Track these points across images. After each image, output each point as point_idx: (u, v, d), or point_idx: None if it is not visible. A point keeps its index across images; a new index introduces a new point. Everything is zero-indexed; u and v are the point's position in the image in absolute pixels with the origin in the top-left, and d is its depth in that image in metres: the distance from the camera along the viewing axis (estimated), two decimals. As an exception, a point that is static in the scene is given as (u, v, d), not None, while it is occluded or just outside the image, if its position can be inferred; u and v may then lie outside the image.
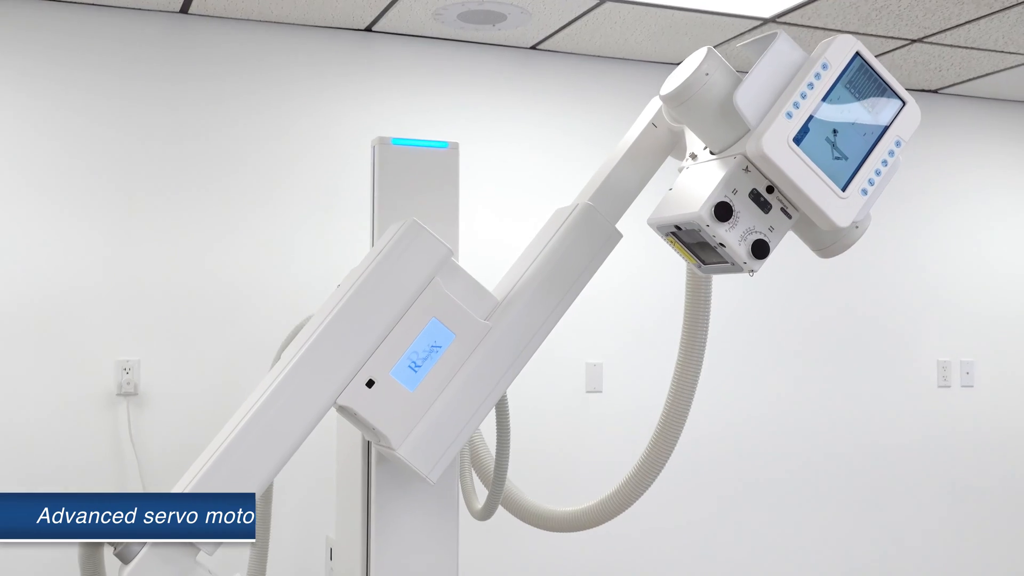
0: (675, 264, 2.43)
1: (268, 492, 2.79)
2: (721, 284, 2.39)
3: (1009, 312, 5.64)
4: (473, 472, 3.18)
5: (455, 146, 2.85)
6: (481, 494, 3.23)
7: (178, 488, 2.13)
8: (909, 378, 5.41)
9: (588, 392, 4.79)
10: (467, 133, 4.57)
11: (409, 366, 2.19)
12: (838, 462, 5.21)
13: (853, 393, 5.26)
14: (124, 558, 2.13)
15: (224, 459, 2.10)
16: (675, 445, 2.59)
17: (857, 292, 5.21)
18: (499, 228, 4.63)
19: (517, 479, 4.24)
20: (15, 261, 4.06)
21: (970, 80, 5.39)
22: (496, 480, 2.82)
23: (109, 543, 2.17)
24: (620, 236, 2.35)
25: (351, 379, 2.17)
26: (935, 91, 5.53)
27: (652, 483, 2.64)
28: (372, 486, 2.61)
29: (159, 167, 4.25)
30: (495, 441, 2.74)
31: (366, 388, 2.17)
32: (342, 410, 2.21)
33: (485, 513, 3.03)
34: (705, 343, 2.47)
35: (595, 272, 2.32)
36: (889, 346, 5.37)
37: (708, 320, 2.45)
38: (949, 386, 5.49)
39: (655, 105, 2.38)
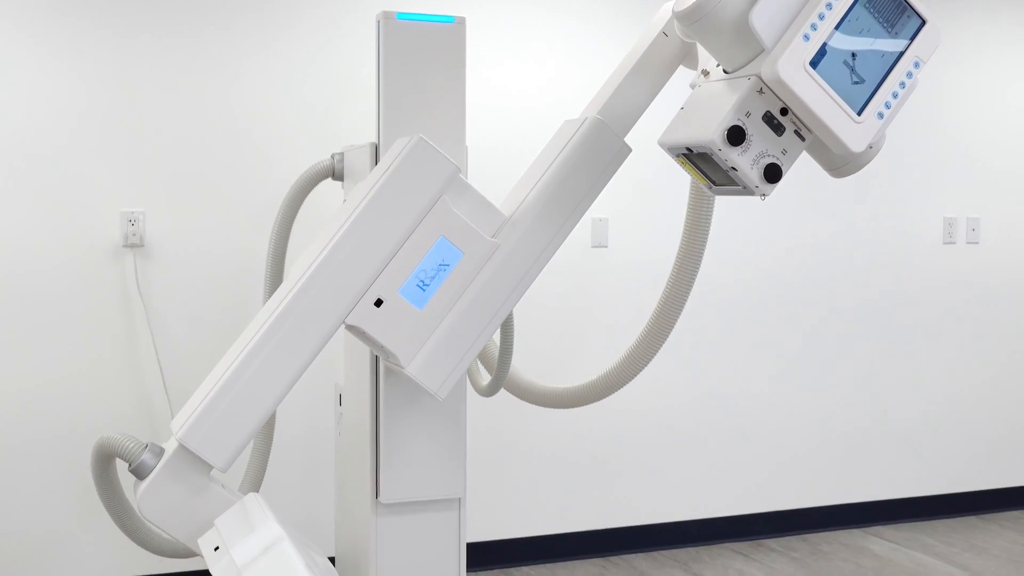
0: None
1: None
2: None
3: (1017, 169, 5.59)
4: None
5: (461, 21, 2.79)
6: (486, 373, 3.28)
7: (187, 409, 2.15)
8: (914, 235, 5.40)
9: (593, 247, 4.78)
10: (473, 5, 4.47)
11: (417, 285, 2.19)
12: (840, 318, 5.25)
13: (856, 249, 5.26)
14: (139, 474, 2.17)
15: (232, 382, 2.12)
16: (663, 342, 2.62)
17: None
18: (507, 107, 4.58)
19: (522, 335, 4.29)
20: (15, 115, 3.99)
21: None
22: (502, 357, 2.86)
23: (122, 459, 2.21)
24: (629, 151, 2.31)
25: (359, 299, 2.17)
26: (949, -63, 5.37)
27: (649, 362, 2.68)
28: (380, 400, 2.65)
29: (158, 13, 4.13)
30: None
31: (374, 307, 2.18)
32: (351, 329, 2.22)
33: (491, 389, 3.08)
34: (701, 257, 2.48)
35: (604, 187, 2.29)
36: (895, 203, 5.34)
37: (707, 234, 2.44)
38: (954, 243, 5.48)
39: (667, 12, 2.30)
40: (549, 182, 2.27)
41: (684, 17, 2.03)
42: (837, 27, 1.96)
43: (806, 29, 1.94)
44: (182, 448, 2.13)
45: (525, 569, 4.68)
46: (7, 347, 4.01)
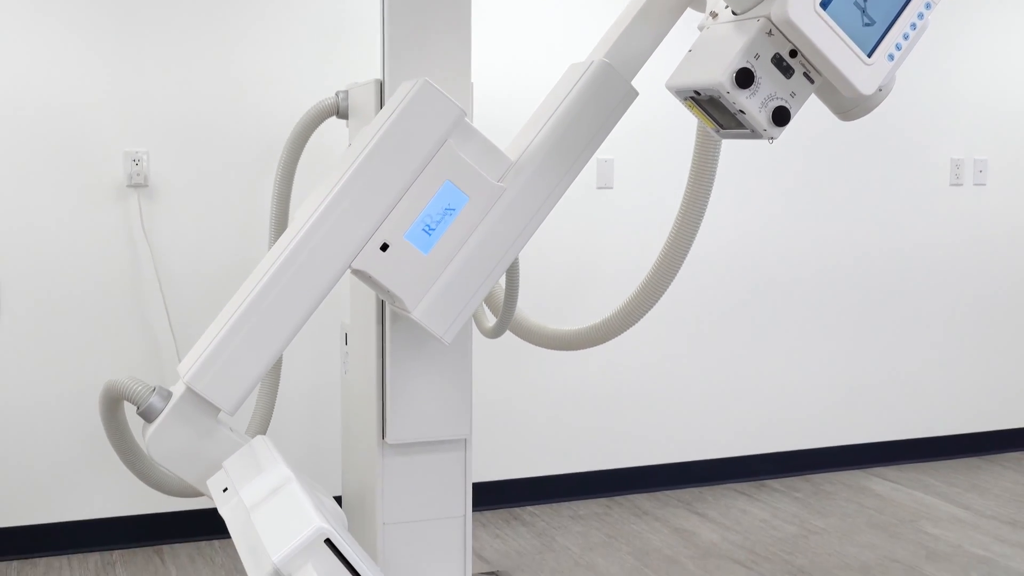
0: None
1: None
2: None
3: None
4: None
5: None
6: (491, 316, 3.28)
7: (194, 352, 2.15)
8: (921, 176, 5.37)
9: (599, 188, 4.77)
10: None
11: (423, 229, 2.18)
12: (845, 259, 5.24)
13: (863, 193, 5.24)
14: (147, 417, 2.18)
15: (238, 326, 2.11)
16: (667, 288, 2.62)
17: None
18: (513, 48, 4.55)
19: (527, 275, 4.29)
20: (18, 55, 3.97)
21: None
22: (508, 299, 2.86)
23: (129, 402, 2.21)
24: (636, 94, 2.29)
25: (365, 243, 2.16)
26: None
27: (652, 307, 2.68)
28: (387, 341, 2.65)
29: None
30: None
31: (380, 252, 2.17)
32: (357, 273, 2.21)
33: (496, 331, 3.09)
34: (707, 202, 2.46)
35: (610, 131, 2.27)
36: (901, 144, 5.31)
37: (713, 179, 2.42)
38: (961, 184, 5.46)
39: (675, -47, 2.28)
40: (555, 126, 2.25)
41: (692, -42, 2.01)
42: (849, -34, 1.93)
43: (816, -31, 1.92)
44: (189, 391, 2.13)
45: (530, 508, 4.72)
46: (12, 289, 4.02)
